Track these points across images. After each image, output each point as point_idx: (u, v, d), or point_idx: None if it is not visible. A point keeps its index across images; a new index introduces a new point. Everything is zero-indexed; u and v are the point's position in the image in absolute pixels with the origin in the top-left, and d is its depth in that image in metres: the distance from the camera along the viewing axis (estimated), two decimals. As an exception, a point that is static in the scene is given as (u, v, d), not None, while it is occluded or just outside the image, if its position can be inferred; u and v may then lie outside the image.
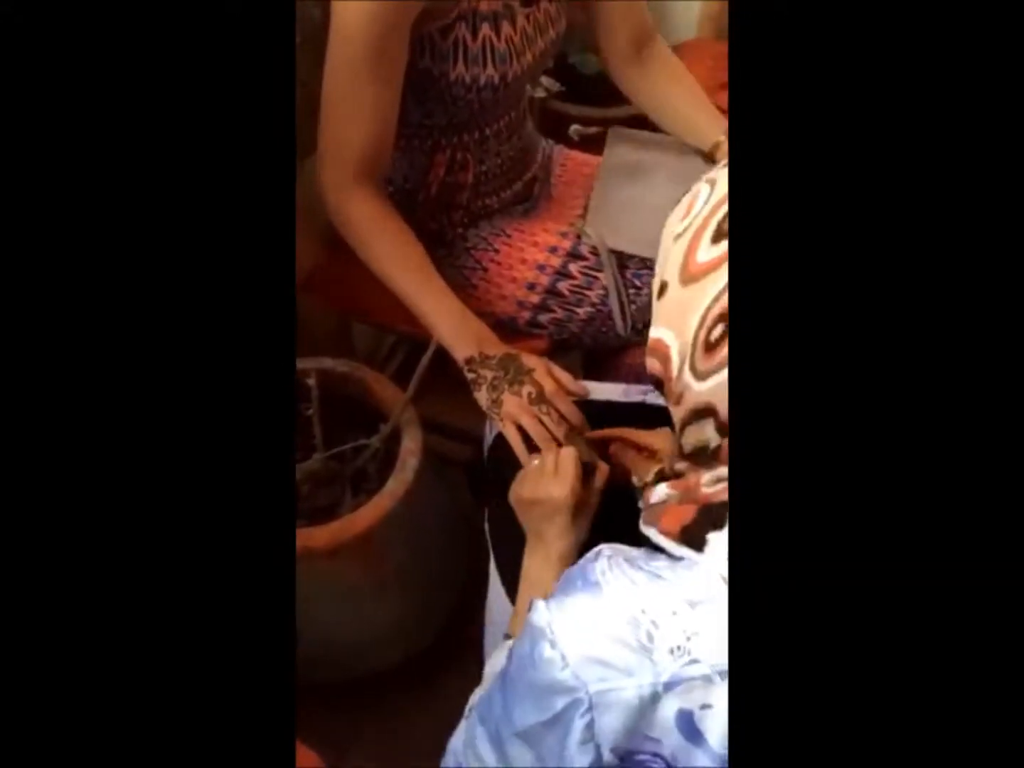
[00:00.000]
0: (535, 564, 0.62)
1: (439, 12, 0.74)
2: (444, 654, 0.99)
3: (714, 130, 0.94)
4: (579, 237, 0.92)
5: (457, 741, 0.51)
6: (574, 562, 0.59)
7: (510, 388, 0.74)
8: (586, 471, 0.64)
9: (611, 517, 0.64)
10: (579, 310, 0.90)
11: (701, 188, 0.46)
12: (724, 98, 1.34)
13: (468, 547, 1.01)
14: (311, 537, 0.77)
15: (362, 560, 0.85)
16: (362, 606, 0.91)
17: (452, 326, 0.77)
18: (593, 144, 1.03)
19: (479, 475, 0.86)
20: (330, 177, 0.77)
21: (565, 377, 0.76)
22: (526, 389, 0.73)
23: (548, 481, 0.62)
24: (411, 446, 0.83)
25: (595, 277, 0.90)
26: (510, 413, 0.73)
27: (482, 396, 0.75)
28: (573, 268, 0.91)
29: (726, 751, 0.38)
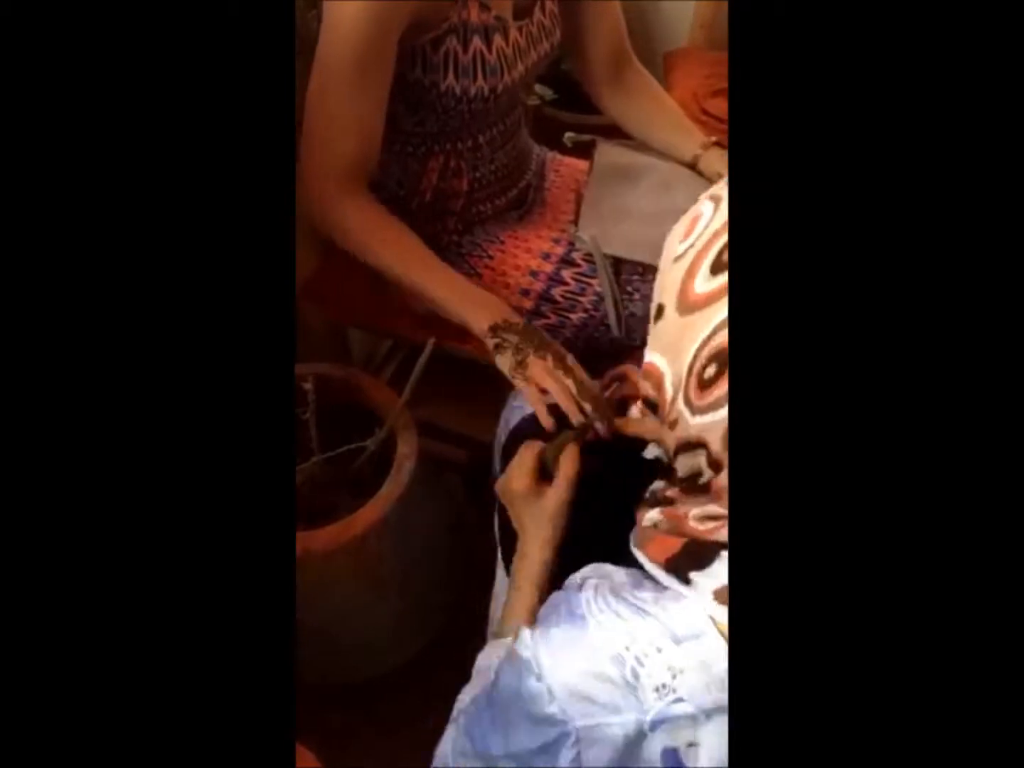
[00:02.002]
0: (516, 560, 0.64)
1: (430, 24, 0.75)
2: (442, 656, 1.00)
3: (691, 144, 0.97)
4: (572, 244, 0.94)
5: (445, 747, 0.52)
6: (551, 560, 0.61)
7: (536, 353, 0.75)
8: (546, 469, 0.66)
9: (606, 525, 0.65)
10: (572, 316, 0.91)
11: (704, 207, 0.45)
12: (716, 105, 1.35)
13: (464, 549, 1.02)
14: (309, 539, 0.78)
15: (359, 562, 0.86)
16: (360, 608, 0.92)
17: (468, 301, 0.78)
18: (587, 151, 1.04)
19: (487, 474, 0.87)
20: (320, 187, 0.78)
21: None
22: (551, 356, 0.75)
23: (510, 473, 0.65)
24: (406, 449, 0.84)
25: (588, 283, 0.91)
26: (536, 375, 0.74)
27: (506, 360, 0.76)
28: (566, 274, 0.92)
29: None
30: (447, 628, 1.02)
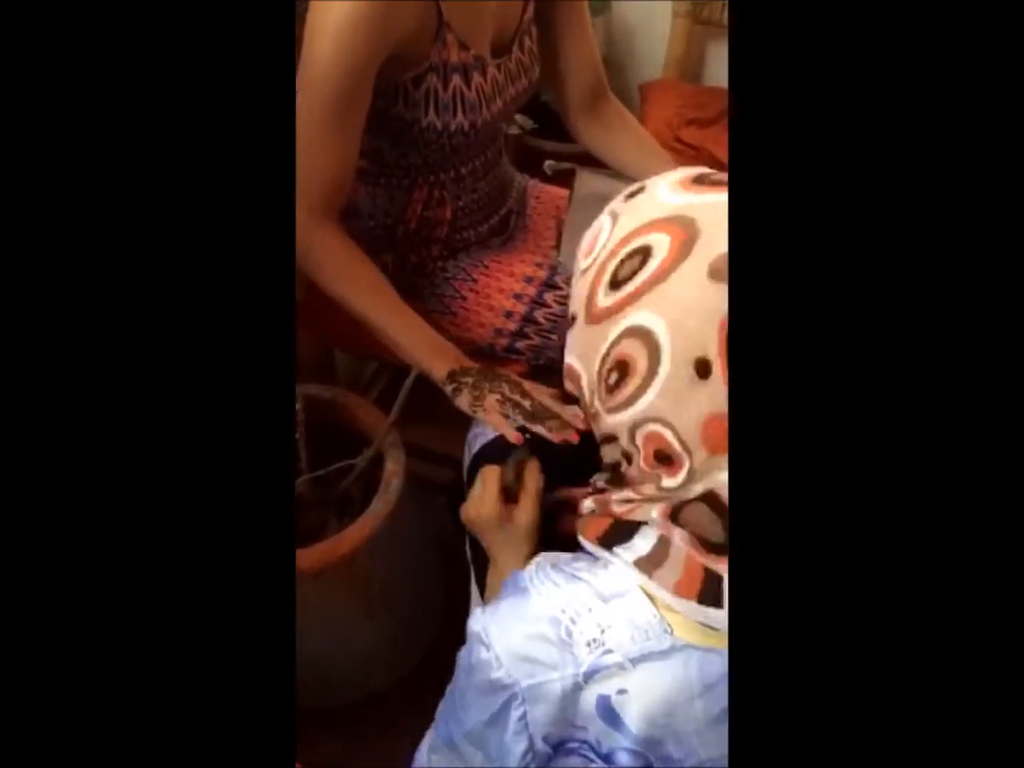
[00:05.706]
0: (490, 579, 0.65)
1: (411, 62, 0.78)
2: (431, 675, 1.00)
3: (665, 171, 1.00)
4: (554, 268, 0.97)
5: (424, 745, 0.55)
6: None
7: (491, 386, 0.77)
8: (510, 493, 0.65)
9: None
10: (554, 337, 0.94)
11: (604, 222, 0.48)
12: (689, 134, 1.40)
13: (451, 568, 1.03)
14: (298, 558, 0.79)
15: (348, 581, 0.87)
16: (350, 628, 0.93)
17: (428, 348, 0.80)
18: (566, 178, 1.08)
19: (459, 497, 0.88)
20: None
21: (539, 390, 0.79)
22: (506, 385, 0.77)
23: (476, 501, 0.65)
24: (394, 468, 0.85)
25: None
26: (493, 404, 0.76)
27: (464, 399, 0.78)
28: (548, 297, 0.95)
29: (643, 732, 0.43)
30: (436, 647, 1.02)
